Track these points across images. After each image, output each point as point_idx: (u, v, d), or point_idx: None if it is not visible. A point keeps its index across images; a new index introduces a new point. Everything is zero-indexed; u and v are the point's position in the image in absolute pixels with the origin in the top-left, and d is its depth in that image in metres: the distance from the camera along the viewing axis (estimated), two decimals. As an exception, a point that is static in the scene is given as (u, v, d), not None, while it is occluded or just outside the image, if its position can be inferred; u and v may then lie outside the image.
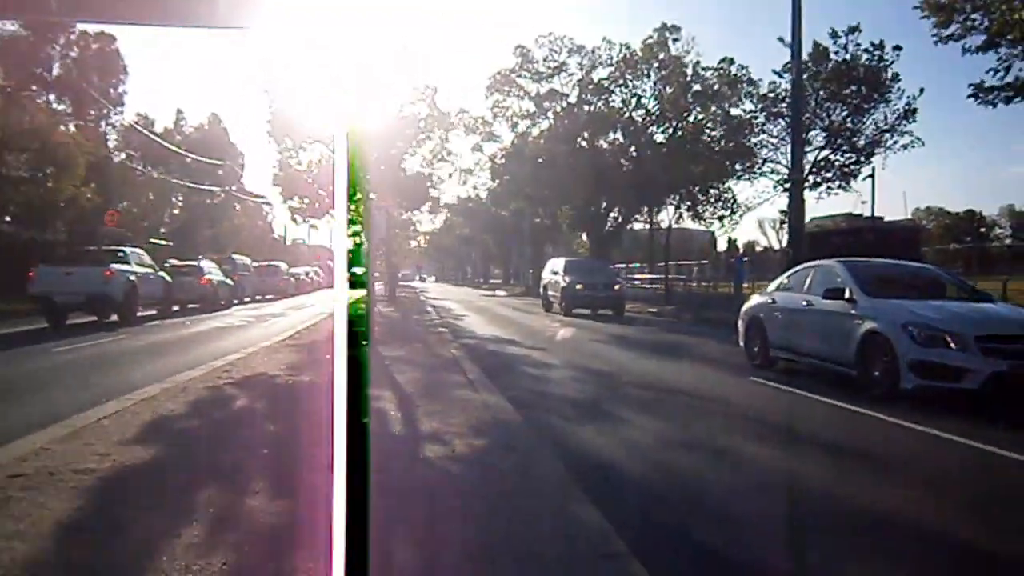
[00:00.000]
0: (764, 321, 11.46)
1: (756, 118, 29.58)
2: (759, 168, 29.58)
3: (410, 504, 4.06)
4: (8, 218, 32.60)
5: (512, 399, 7.86)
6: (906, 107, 27.18)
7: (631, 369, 11.58)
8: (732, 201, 33.47)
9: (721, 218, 34.14)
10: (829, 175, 27.84)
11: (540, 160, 38.71)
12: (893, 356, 8.48)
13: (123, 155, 58.65)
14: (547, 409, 7.87)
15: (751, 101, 30.49)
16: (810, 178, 26.76)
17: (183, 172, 59.56)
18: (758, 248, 68.42)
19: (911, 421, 7.17)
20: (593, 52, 38.96)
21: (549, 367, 11.65)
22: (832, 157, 27.91)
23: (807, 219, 24.26)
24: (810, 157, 26.96)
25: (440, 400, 7.30)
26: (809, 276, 10.78)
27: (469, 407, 6.93)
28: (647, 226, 41.76)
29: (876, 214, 42.51)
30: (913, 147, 27.38)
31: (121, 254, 20.71)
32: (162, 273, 23.34)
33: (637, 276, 42.93)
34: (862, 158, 27.81)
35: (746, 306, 12.27)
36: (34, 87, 37.66)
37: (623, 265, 45.68)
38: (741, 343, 12.09)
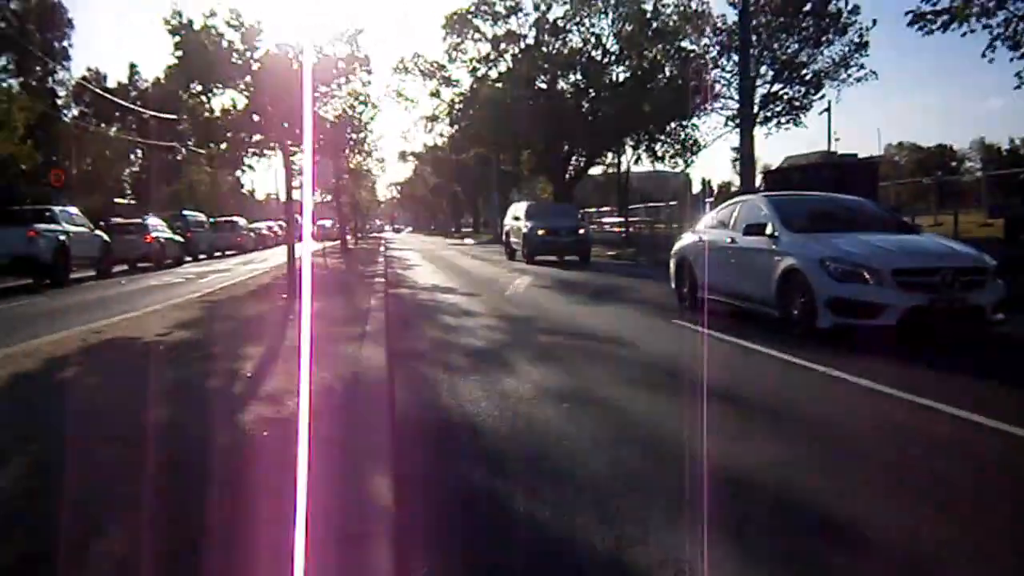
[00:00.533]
0: (692, 261, 10.94)
1: (708, 53, 28.68)
2: (710, 104, 28.75)
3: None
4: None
5: (398, 351, 7.34)
6: (858, 39, 26.44)
7: (555, 315, 11.06)
8: (687, 139, 32.68)
9: (675, 155, 33.29)
10: (778, 109, 27.11)
11: (498, 104, 37.72)
12: (811, 294, 7.99)
13: (74, 112, 56.93)
14: (434, 361, 7.32)
15: (705, 36, 29.51)
16: (761, 113, 26.08)
17: (143, 129, 57.98)
18: (734, 188, 67.96)
19: (816, 362, 6.69)
20: (548, -11, 37.79)
21: (470, 315, 11.12)
22: (781, 91, 27.15)
23: (782, 158, 23.72)
24: (762, 92, 26.25)
25: (316, 357, 6.73)
26: (735, 212, 10.23)
27: (338, 362, 6.37)
28: (611, 169, 41.03)
29: (849, 151, 42.05)
30: (866, 80, 26.70)
31: (48, 213, 19.81)
32: (99, 232, 22.46)
33: (606, 220, 42.35)
34: (811, 91, 27.08)
35: (676, 245, 11.72)
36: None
37: (593, 210, 45.06)
38: (672, 285, 11.60)
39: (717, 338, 8.38)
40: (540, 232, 23.15)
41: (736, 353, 7.70)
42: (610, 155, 39.48)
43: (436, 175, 77.29)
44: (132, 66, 64.17)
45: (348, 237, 35.59)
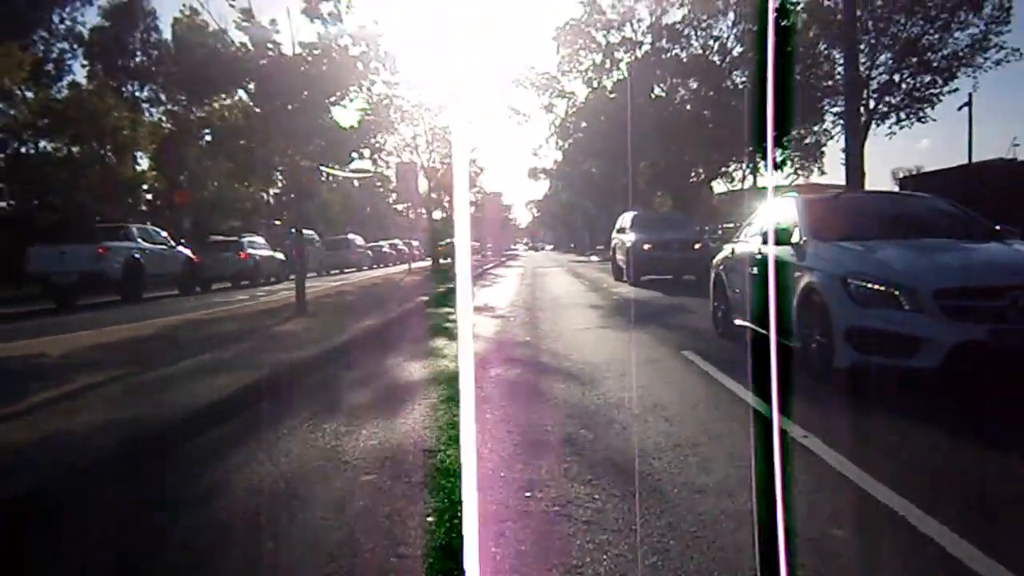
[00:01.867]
0: (724, 279, 8.96)
1: (818, 44, 25.52)
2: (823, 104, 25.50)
3: None
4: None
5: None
6: (995, 10, 22.16)
7: (550, 339, 9.31)
8: (811, 145, 29.56)
9: (798, 165, 30.20)
10: (895, 101, 23.38)
11: (611, 114, 35.96)
12: (828, 321, 5.96)
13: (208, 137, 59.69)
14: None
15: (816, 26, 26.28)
16: (880, 108, 22.70)
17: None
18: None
19: (807, 425, 4.73)
20: (664, -7, 35.75)
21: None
22: (901, 81, 23.35)
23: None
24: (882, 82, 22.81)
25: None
26: (767, 217, 8.18)
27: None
28: (738, 184, 38.26)
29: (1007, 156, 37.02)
30: (1008, 62, 22.43)
31: (123, 231, 19.95)
32: (182, 249, 22.54)
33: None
34: (939, 79, 23.06)
35: (715, 258, 9.70)
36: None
37: (730, 225, 42.02)
38: (711, 307, 9.62)
39: (708, 379, 6.48)
40: (646, 247, 19.24)
41: (704, 392, 5.78)
42: (732, 166, 36.75)
43: (567, 191, 75.92)
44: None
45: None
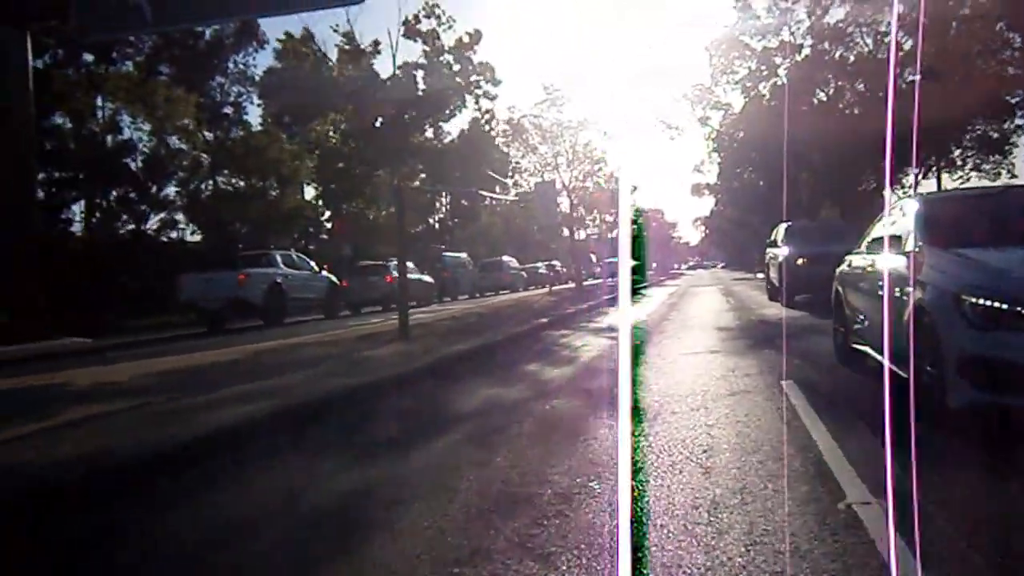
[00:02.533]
0: (843, 294, 7.67)
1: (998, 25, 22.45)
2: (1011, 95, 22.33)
3: None
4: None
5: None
6: None
7: (667, 370, 8.28)
8: (1000, 141, 26.17)
9: (978, 163, 26.74)
10: None
11: (769, 121, 33.90)
12: (939, 348, 4.73)
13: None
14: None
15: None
16: None
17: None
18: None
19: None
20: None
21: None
22: None
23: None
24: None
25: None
26: (885, 222, 6.86)
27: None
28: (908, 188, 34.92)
29: None
30: None
31: (266, 258, 20.67)
32: (327, 274, 23.12)
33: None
34: None
35: (837, 270, 8.34)
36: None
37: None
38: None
39: (792, 413, 5.37)
40: (800, 261, 16.49)
41: (775, 436, 4.68)
42: (910, 171, 33.55)
43: (732, 207, 72.93)
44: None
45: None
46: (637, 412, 5.90)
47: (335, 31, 11.47)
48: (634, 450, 4.68)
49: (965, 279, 4.72)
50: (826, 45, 34.19)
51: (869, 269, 6.65)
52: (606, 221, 34.20)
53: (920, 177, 30.91)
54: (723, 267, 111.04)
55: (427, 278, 30.34)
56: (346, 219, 39.14)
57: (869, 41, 33.10)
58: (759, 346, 9.68)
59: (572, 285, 32.01)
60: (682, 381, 7.30)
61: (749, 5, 34.67)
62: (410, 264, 29.92)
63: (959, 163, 28.42)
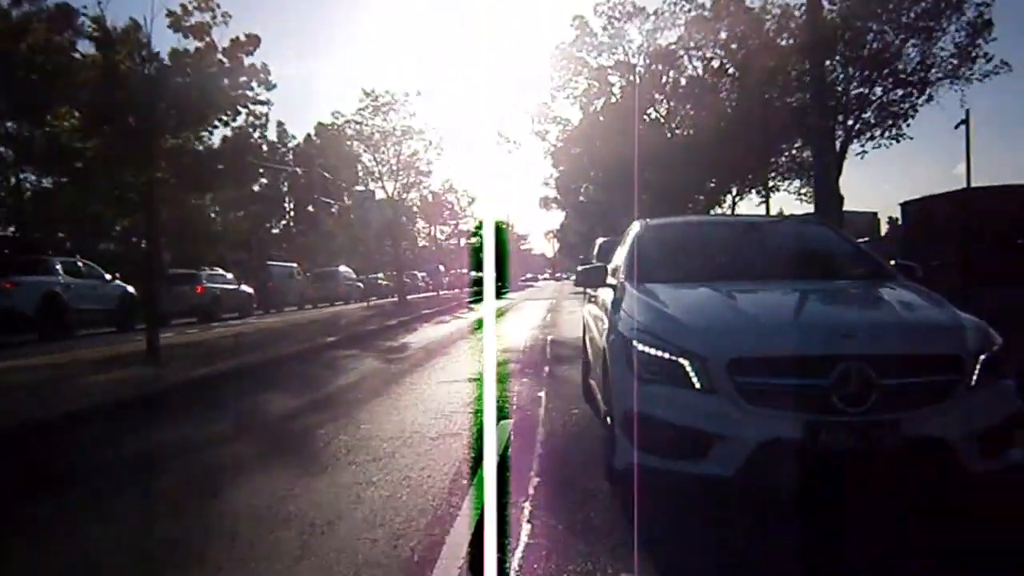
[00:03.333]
0: (585, 323, 7.22)
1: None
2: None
3: None
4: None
5: None
6: (977, 18, 20.01)
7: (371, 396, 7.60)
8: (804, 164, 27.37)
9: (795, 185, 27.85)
10: (866, 115, 21.23)
11: (601, 139, 34.30)
12: (610, 400, 4.23)
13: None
14: None
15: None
16: (849, 122, 20.53)
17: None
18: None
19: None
20: (656, 15, 34.02)
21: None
22: (871, 95, 21.22)
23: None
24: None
25: None
26: (622, 245, 6.39)
27: None
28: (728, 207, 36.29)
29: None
30: (997, 73, 20.33)
31: (41, 265, 18.50)
32: (120, 283, 21.10)
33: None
34: (913, 93, 20.90)
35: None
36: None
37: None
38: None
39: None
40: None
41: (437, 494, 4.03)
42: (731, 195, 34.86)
43: (580, 221, 74.14)
44: (279, 123, 65.66)
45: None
46: (313, 459, 5.13)
47: (84, 14, 10.19)
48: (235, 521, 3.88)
49: (642, 322, 4.22)
50: (659, 67, 34.93)
51: (598, 300, 6.17)
52: (459, 231, 33.56)
53: (736, 199, 31.96)
54: (574, 279, 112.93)
55: (246, 288, 28.60)
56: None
57: (699, 65, 34.06)
58: (522, 374, 9.18)
59: (396, 299, 31.01)
60: (405, 418, 6.64)
61: (586, 23, 34.95)
62: (228, 274, 28.26)
63: (773, 186, 29.59)
